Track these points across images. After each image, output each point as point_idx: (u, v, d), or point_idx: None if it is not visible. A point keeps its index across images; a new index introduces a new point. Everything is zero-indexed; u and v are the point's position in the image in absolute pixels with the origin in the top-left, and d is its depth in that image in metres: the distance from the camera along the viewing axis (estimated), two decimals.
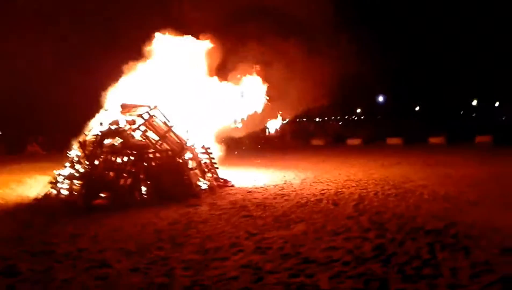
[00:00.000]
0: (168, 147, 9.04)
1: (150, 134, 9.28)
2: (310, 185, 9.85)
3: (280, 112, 38.34)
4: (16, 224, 6.79)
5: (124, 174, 8.60)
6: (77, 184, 8.75)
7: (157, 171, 8.68)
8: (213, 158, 10.13)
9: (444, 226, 5.47)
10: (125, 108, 9.42)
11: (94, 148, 8.97)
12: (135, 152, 8.76)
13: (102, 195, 8.47)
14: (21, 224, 6.80)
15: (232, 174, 11.99)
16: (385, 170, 11.86)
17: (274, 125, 36.46)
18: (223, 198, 8.48)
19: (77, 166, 9.09)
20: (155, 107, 9.39)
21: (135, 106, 9.50)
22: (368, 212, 6.59)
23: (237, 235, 5.58)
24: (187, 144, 9.55)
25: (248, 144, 27.86)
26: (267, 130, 38.41)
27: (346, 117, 52.94)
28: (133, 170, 8.59)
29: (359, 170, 12.25)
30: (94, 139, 9.11)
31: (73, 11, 19.10)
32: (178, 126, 9.68)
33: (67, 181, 9.00)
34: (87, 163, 8.87)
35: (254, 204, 7.66)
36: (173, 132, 9.30)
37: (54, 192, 9.01)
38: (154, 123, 9.27)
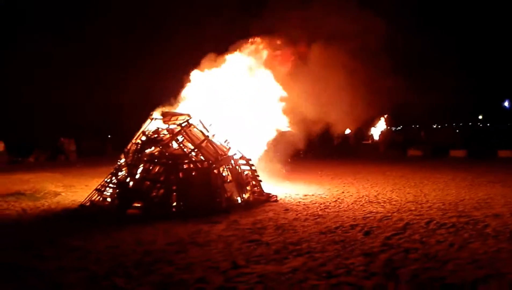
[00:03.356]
0: (203, 158, 8.62)
1: (189, 143, 8.98)
2: (362, 205, 8.62)
3: (385, 116, 36.08)
4: (40, 231, 6.97)
5: (158, 185, 8.42)
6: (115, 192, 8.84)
7: (189, 182, 8.32)
8: (255, 171, 9.46)
9: (474, 280, 4.07)
10: (166, 116, 9.27)
11: (134, 157, 8.96)
12: (170, 162, 8.53)
13: (136, 205, 8.40)
14: (45, 231, 6.96)
15: (289, 187, 11.28)
16: (467, 191, 9.94)
17: (377, 131, 34.51)
18: (252, 215, 7.77)
19: (120, 174, 9.18)
20: (194, 115, 9.09)
21: (175, 115, 9.30)
22: (395, 249, 5.33)
23: (218, 265, 4.87)
24: (228, 155, 9.06)
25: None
26: (370, 136, 36.44)
27: (461, 124, 47.66)
28: (165, 181, 8.36)
29: (435, 189, 10.49)
30: (135, 148, 9.12)
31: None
32: (219, 135, 9.24)
33: (110, 189, 9.16)
34: (126, 171, 8.91)
35: (276, 226, 6.83)
36: (210, 141, 8.88)
37: (101, 198, 9.24)
38: (192, 132, 8.95)
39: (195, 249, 5.65)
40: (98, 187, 9.38)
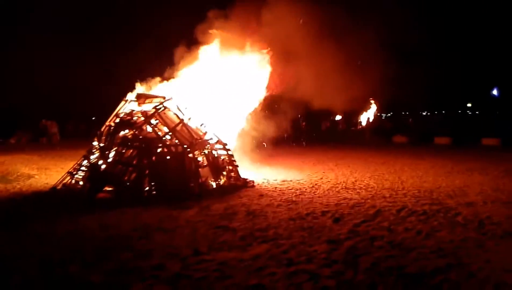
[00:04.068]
0: (177, 142, 8.44)
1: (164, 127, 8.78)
2: (338, 191, 8.54)
3: (373, 101, 35.90)
4: (3, 215, 6.76)
5: (130, 168, 8.24)
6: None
7: (162, 167, 8.15)
8: (232, 155, 9.31)
9: (434, 269, 4.00)
10: (140, 98, 9.04)
11: (107, 139, 8.76)
12: (143, 145, 8.34)
13: (108, 188, 8.22)
14: (9, 214, 6.77)
15: (268, 173, 11.17)
16: (444, 178, 9.92)
17: (367, 116, 34.39)
18: (225, 201, 7.64)
19: (92, 157, 8.98)
20: (169, 98, 8.88)
21: (150, 97, 9.08)
22: (362, 236, 5.25)
23: (179, 252, 4.75)
24: (205, 139, 8.89)
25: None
26: (359, 123, 36.44)
27: (450, 112, 47.78)
28: (137, 164, 8.19)
29: (414, 176, 10.45)
30: (107, 130, 8.91)
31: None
32: (195, 119, 9.06)
33: (82, 172, 8.97)
34: (98, 154, 8.72)
35: (247, 212, 6.71)
36: (185, 125, 8.70)
37: (73, 181, 9.04)
38: (166, 115, 8.75)
39: (160, 234, 5.52)
40: (70, 170, 9.19)
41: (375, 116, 37.59)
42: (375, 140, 24.07)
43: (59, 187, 8.84)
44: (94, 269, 4.27)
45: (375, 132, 26.73)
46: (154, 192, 7.93)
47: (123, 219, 6.33)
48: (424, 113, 48.19)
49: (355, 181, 9.87)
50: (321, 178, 10.33)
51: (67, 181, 9.00)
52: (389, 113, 43.83)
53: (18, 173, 10.64)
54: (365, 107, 35.81)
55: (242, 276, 4.02)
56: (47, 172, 11.23)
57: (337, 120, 34.12)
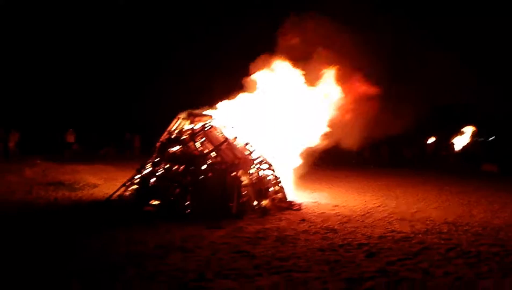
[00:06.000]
0: (221, 160, 8.38)
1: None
2: (390, 222, 7.80)
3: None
4: (46, 223, 7.11)
5: (175, 184, 8.33)
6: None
7: (204, 184, 8.12)
8: (278, 176, 9.00)
9: None
10: (190, 116, 9.17)
11: (158, 155, 8.99)
12: (188, 162, 8.40)
13: (154, 202, 8.38)
14: (51, 223, 7.12)
15: (325, 195, 10.73)
16: None
17: (457, 140, 31.47)
18: (261, 223, 7.36)
19: (144, 171, 9.25)
20: (216, 117, 8.89)
21: (199, 115, 9.18)
22: (389, 277, 4.63)
23: (183, 276, 4.57)
24: (250, 158, 8.73)
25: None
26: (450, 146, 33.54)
27: None
28: (181, 180, 8.26)
29: (487, 210, 9.24)
30: (158, 146, 9.15)
31: None
32: (241, 138, 8.94)
33: (135, 185, 9.28)
34: (150, 169, 8.97)
35: (277, 237, 6.37)
36: (230, 144, 8.61)
37: (127, 193, 9.39)
38: (213, 134, 8.75)
39: (177, 255, 5.40)
40: (125, 182, 9.55)
41: (470, 139, 34.06)
42: (461, 167, 21.95)
43: (113, 198, 9.23)
44: (96, 287, 4.26)
45: (463, 158, 24.39)
46: (194, 209, 7.90)
47: (152, 235, 6.34)
48: None
49: (416, 211, 8.97)
50: (379, 206, 9.57)
51: (121, 192, 9.36)
52: (492, 137, 39.79)
53: (85, 182, 11.34)
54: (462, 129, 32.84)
55: None
56: (113, 182, 11.79)
57: (429, 143, 31.70)
